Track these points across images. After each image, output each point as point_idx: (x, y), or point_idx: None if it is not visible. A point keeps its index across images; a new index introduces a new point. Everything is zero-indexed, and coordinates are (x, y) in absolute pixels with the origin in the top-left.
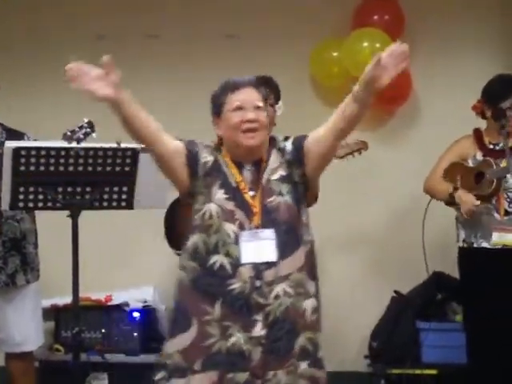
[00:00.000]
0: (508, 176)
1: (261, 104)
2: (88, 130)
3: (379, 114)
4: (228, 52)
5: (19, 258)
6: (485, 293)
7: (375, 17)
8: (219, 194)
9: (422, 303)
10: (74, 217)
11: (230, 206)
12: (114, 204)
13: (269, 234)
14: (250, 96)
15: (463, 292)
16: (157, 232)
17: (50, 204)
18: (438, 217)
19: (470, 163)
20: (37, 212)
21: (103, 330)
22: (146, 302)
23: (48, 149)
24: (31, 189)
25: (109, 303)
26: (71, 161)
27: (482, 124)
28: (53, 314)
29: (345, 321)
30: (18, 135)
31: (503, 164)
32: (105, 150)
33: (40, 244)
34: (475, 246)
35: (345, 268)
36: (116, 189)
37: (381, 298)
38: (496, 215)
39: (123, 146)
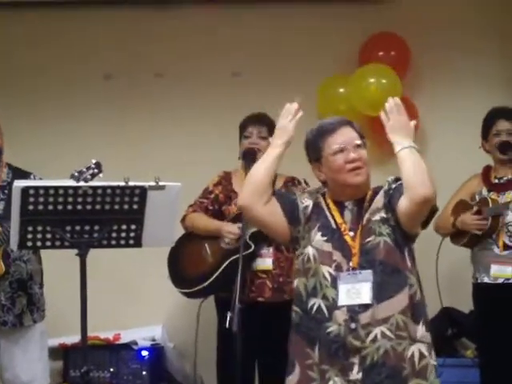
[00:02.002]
0: (509, 211)
1: (360, 142)
2: (95, 170)
3: (386, 148)
4: (234, 90)
5: (26, 298)
6: (494, 327)
7: (381, 53)
8: (318, 237)
9: (432, 339)
10: (83, 255)
11: (328, 247)
12: (123, 242)
13: (366, 275)
14: (348, 136)
15: (475, 327)
16: (165, 270)
17: (58, 243)
18: (449, 253)
19: (477, 199)
20: (44, 251)
21: (112, 369)
22: (154, 340)
23: (56, 188)
24: (39, 228)
25: (117, 342)
26: (79, 199)
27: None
28: (61, 353)
29: None
30: (25, 174)
31: (506, 197)
32: (113, 188)
33: (48, 283)
34: (479, 281)
35: None
36: (124, 227)
37: None
38: (495, 249)
39: (131, 184)
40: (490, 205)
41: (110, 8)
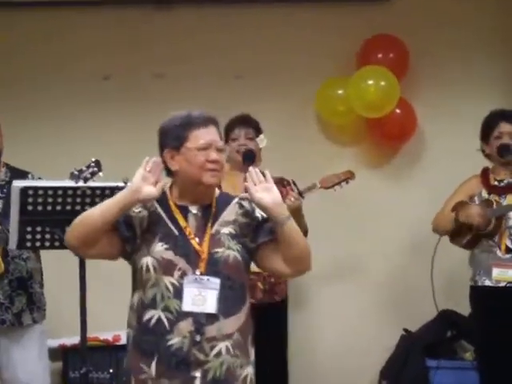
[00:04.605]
0: (511, 214)
1: (223, 146)
2: (95, 169)
3: (384, 151)
4: (234, 90)
5: (26, 297)
6: (494, 332)
7: (380, 55)
8: (158, 247)
9: (432, 341)
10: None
11: (170, 255)
12: None
13: (214, 283)
14: (214, 136)
15: (474, 331)
16: None
17: (57, 243)
18: (447, 254)
19: (477, 201)
20: (44, 251)
21: (111, 370)
22: None
23: (55, 188)
24: (38, 228)
25: (117, 343)
26: (78, 200)
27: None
28: (60, 354)
29: (354, 359)
30: (23, 174)
31: (507, 200)
32: (112, 188)
33: (47, 283)
34: (479, 284)
35: (354, 306)
36: None
37: (390, 336)
38: (498, 252)
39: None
40: (495, 206)
41: (110, 8)
